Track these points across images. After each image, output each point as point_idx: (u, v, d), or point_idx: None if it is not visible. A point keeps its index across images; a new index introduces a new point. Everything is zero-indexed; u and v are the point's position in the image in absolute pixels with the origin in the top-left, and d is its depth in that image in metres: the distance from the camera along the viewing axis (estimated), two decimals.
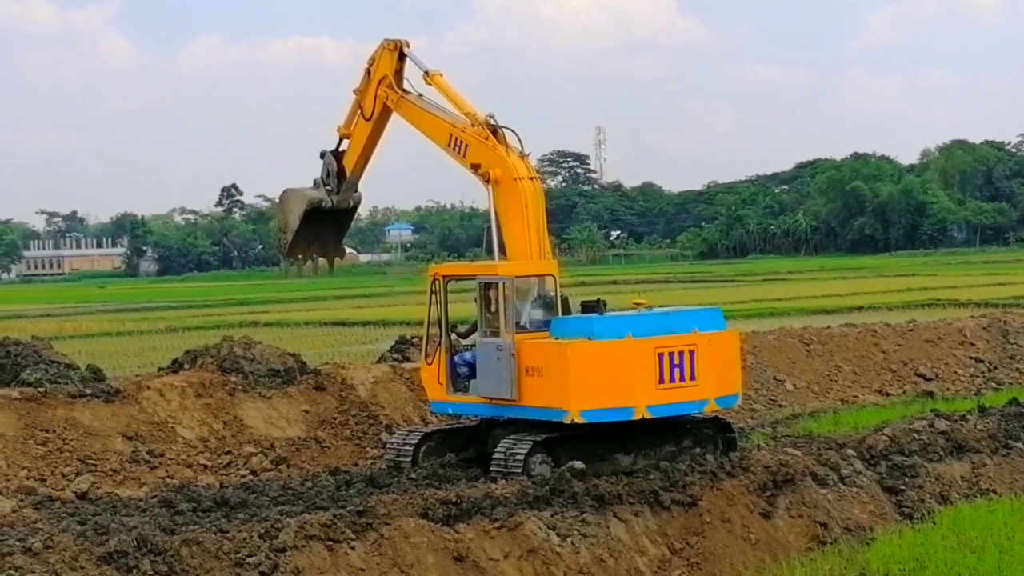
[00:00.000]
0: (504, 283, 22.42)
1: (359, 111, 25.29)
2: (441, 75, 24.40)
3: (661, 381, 21.89)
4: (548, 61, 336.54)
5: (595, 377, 21.63)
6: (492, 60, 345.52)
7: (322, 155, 25.91)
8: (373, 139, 25.44)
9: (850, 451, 22.60)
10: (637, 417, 21.82)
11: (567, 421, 21.57)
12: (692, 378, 22.12)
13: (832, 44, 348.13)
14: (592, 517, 19.11)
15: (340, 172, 25.73)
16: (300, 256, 26.50)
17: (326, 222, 26.21)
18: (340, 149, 25.79)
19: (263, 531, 17.45)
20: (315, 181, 25.98)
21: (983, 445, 23.47)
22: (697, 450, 22.88)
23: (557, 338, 21.95)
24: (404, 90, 24.76)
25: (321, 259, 26.74)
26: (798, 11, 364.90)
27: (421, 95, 24.61)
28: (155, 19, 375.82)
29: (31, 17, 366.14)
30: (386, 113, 25.04)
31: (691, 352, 22.09)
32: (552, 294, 22.86)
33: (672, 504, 19.90)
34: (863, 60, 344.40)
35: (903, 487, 21.84)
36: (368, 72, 25.04)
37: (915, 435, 23.34)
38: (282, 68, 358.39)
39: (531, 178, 23.16)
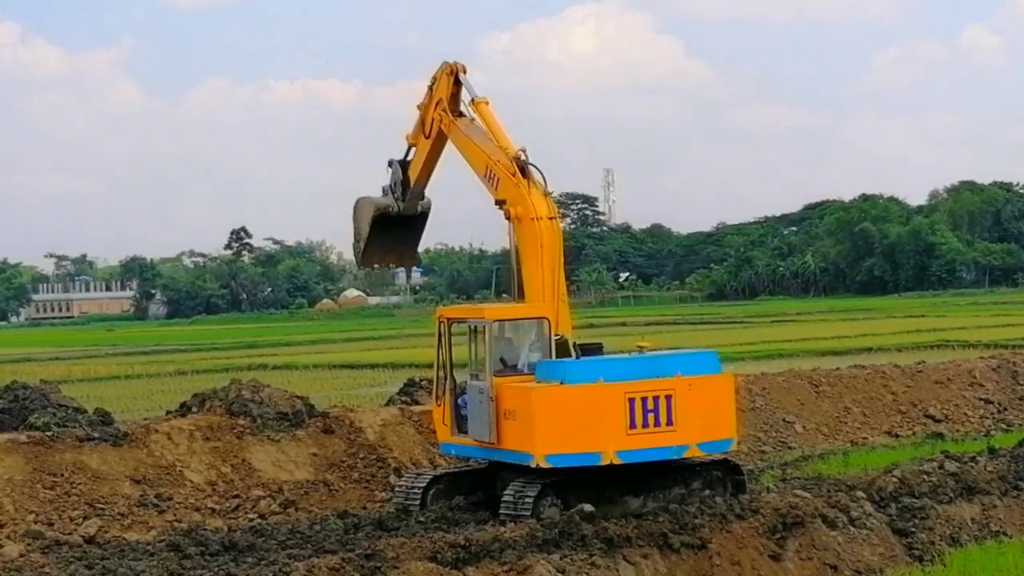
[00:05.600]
0: (487, 326, 22.58)
1: (421, 126, 25.57)
2: (486, 103, 24.57)
3: (632, 426, 21.67)
4: (555, 104, 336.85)
5: (562, 422, 21.61)
6: (498, 102, 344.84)
7: (390, 164, 26.17)
8: (433, 155, 25.65)
9: (860, 493, 22.53)
10: (605, 463, 21.65)
11: (533, 465, 21.61)
12: (669, 423, 21.83)
13: (838, 86, 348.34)
14: (601, 560, 19.05)
15: (405, 181, 25.95)
16: (376, 264, 26.83)
17: (399, 230, 26.33)
18: (407, 158, 26.02)
19: (271, 575, 17.40)
20: (383, 188, 26.26)
21: (993, 487, 23.39)
22: (707, 492, 22.81)
23: (538, 382, 22.03)
24: (460, 114, 24.91)
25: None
26: (804, 53, 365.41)
27: (473, 120, 24.75)
28: (162, 63, 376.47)
29: (39, 62, 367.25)
30: (442, 134, 25.26)
31: (667, 397, 21.83)
32: (557, 337, 22.85)
33: (681, 547, 19.84)
34: (870, 102, 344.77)
35: (913, 529, 21.77)
36: (430, 89, 25.29)
37: (925, 477, 23.27)
38: (289, 111, 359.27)
39: (550, 218, 23.23)
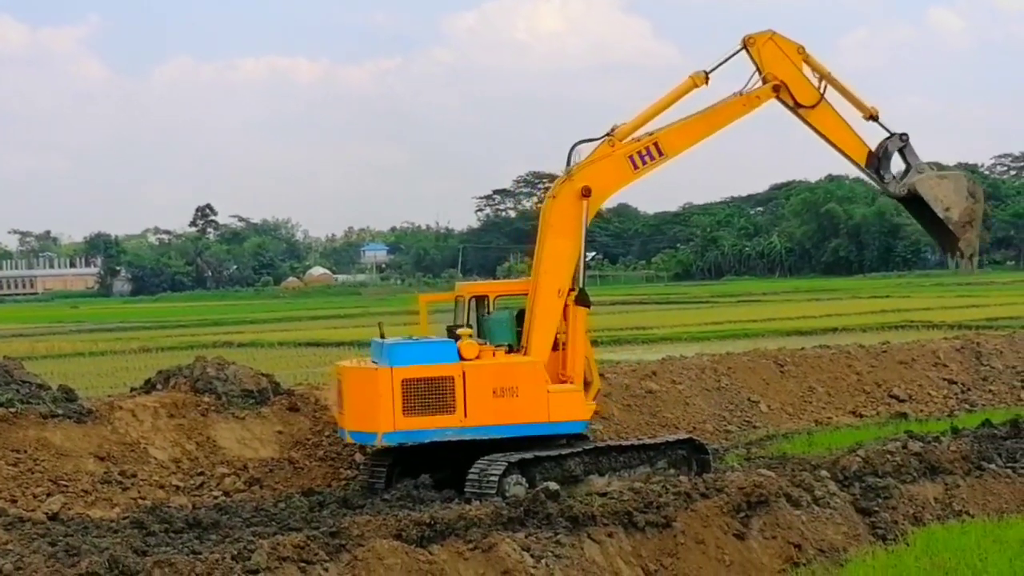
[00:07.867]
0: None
1: None
2: (692, 80, 25.46)
3: (341, 408, 24.12)
4: (521, 83, 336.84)
5: None
6: (465, 82, 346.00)
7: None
8: (813, 128, 26.07)
9: (824, 472, 22.59)
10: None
11: None
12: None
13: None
14: (566, 538, 19.04)
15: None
16: (944, 247, 26.46)
17: (930, 211, 25.81)
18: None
19: (236, 553, 17.34)
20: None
21: (956, 467, 23.46)
22: (672, 471, 22.88)
23: None
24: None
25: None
26: None
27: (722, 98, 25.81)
28: (127, 40, 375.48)
29: (4, 38, 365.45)
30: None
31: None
32: (464, 319, 23.95)
33: (646, 525, 19.83)
34: None
35: (877, 508, 21.82)
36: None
37: (889, 456, 23.33)
38: (255, 88, 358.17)
39: (552, 197, 24.40)
